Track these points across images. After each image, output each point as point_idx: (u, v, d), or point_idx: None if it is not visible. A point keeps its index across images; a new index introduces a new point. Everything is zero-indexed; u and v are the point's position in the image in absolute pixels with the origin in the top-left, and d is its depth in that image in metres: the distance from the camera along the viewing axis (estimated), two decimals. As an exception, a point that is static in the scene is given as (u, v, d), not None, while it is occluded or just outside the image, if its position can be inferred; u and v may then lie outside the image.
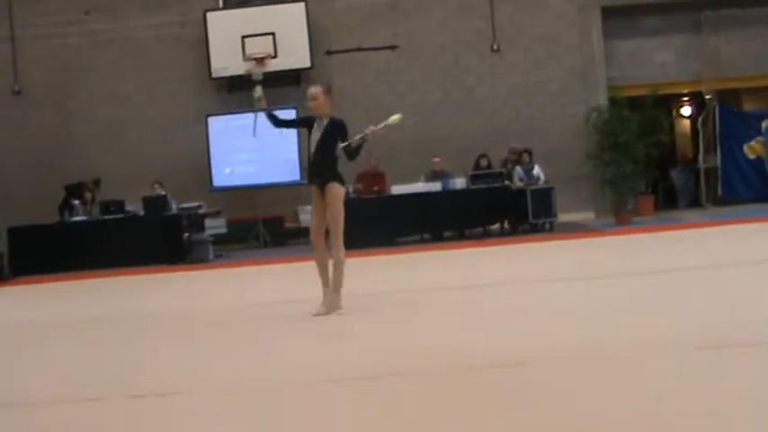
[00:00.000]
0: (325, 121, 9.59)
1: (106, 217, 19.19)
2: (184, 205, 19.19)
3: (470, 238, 19.11)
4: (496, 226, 19.65)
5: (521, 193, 19.17)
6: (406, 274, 13.56)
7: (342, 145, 9.47)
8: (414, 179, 19.54)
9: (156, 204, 19.16)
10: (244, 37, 21.45)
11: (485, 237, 19.03)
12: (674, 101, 25.45)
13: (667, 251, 14.28)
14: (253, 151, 21.11)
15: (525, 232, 19.17)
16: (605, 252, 15.05)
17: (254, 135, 9.87)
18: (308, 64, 21.83)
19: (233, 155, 21.16)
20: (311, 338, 8.29)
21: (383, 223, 18.71)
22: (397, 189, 19.20)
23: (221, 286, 14.41)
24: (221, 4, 22.48)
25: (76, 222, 19.43)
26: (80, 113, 22.64)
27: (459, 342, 7.36)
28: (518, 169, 19.67)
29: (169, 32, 22.66)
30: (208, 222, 19.56)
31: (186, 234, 18.74)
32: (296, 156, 20.01)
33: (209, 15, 21.98)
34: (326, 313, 9.20)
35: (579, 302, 9.20)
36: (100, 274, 17.01)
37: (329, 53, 22.34)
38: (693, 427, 4.65)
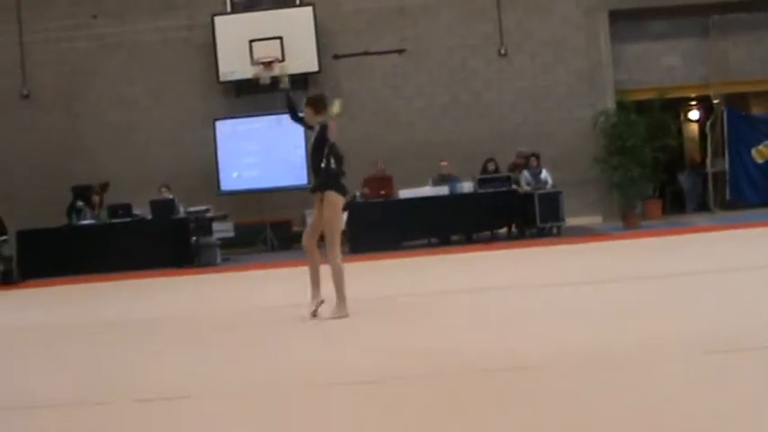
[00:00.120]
0: (317, 129, 9.59)
1: (114, 220, 19.20)
2: (192, 209, 19.21)
3: (478, 242, 19.14)
4: (504, 230, 19.64)
5: (528, 197, 19.16)
6: (413, 278, 13.55)
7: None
8: (421, 183, 19.55)
9: (163, 208, 19.18)
10: (251, 41, 21.45)
11: (492, 241, 19.04)
12: (681, 105, 25.41)
13: (675, 255, 14.26)
14: (260, 155, 21.16)
15: (533, 236, 19.14)
16: (613, 256, 15.04)
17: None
18: (315, 68, 21.84)
19: (240, 159, 21.18)
20: (318, 342, 8.30)
21: (390, 227, 18.74)
22: (404, 193, 19.20)
23: (229, 290, 14.42)
24: (229, 8, 22.50)
25: (84, 226, 19.45)
26: (88, 117, 22.68)
27: (466, 345, 7.36)
28: (525, 173, 19.67)
29: (177, 36, 22.69)
30: (215, 226, 19.59)
31: (194, 238, 18.76)
32: (303, 160, 20.00)
33: (217, 19, 21.99)
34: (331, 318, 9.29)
35: (587, 306, 9.19)
36: (108, 278, 17.04)
37: (336, 57, 22.35)
38: (699, 430, 4.65)
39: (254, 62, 21.38)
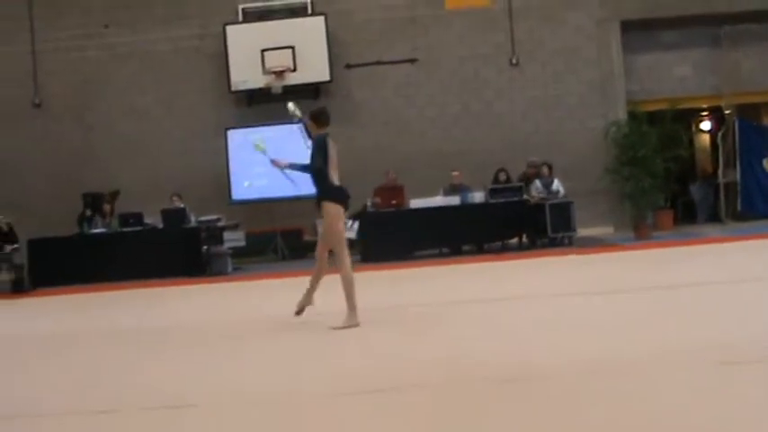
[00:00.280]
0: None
1: (125, 229, 19.24)
2: (203, 218, 19.24)
3: (489, 252, 19.12)
4: (515, 240, 19.60)
5: (539, 207, 19.14)
6: (424, 288, 13.53)
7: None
8: (432, 193, 19.54)
9: (174, 217, 19.20)
10: (263, 50, 21.49)
11: (503, 251, 19.01)
12: (693, 115, 25.37)
13: (686, 266, 14.21)
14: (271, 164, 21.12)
15: (544, 246, 19.10)
16: (624, 266, 15.00)
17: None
18: (327, 77, 21.86)
19: (252, 168, 21.16)
20: (328, 351, 8.29)
21: (402, 237, 18.72)
22: (415, 203, 19.19)
23: (239, 299, 14.42)
24: (241, 18, 22.52)
25: (96, 234, 19.49)
26: (99, 126, 22.72)
27: (477, 355, 7.35)
28: (537, 182, 19.65)
29: (188, 45, 22.73)
30: (226, 235, 19.61)
31: (205, 247, 18.78)
32: (314, 169, 19.98)
33: (229, 29, 22.02)
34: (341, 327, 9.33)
35: (598, 316, 9.18)
36: (119, 287, 17.07)
37: (348, 66, 22.37)
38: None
39: (265, 71, 21.43)
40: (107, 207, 20.12)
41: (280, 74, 21.33)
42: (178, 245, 18.76)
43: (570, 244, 19.12)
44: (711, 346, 6.97)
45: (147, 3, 22.84)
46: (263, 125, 21.46)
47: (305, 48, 21.53)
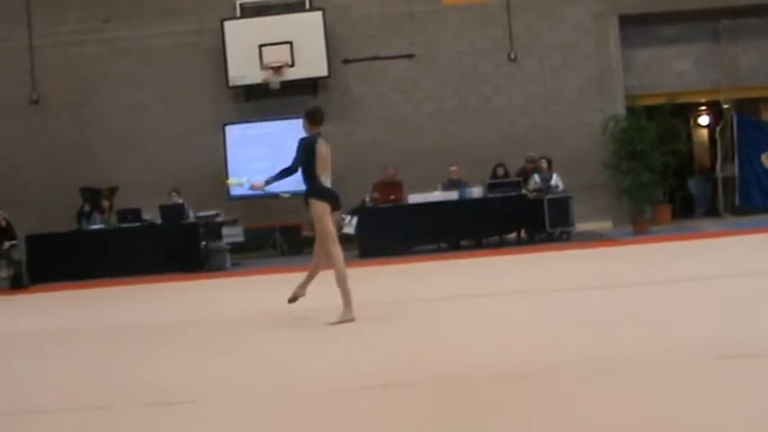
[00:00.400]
0: None
1: (123, 225, 19.24)
2: (201, 213, 19.24)
3: (487, 247, 19.10)
4: (513, 235, 19.62)
5: (537, 201, 19.13)
6: (422, 283, 13.54)
7: None
8: (431, 188, 19.52)
9: (173, 213, 19.20)
10: (261, 46, 21.47)
11: (501, 246, 19.02)
12: (691, 110, 25.37)
13: (684, 260, 14.22)
14: (270, 160, 21.05)
15: (542, 241, 19.11)
16: (622, 261, 15.00)
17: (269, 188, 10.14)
18: (325, 73, 21.85)
19: (250, 163, 21.15)
20: (327, 347, 8.29)
21: (400, 232, 18.73)
22: (413, 198, 19.19)
23: (238, 294, 14.42)
24: (239, 13, 22.50)
25: (94, 230, 19.49)
26: (98, 121, 22.70)
27: (475, 350, 7.35)
28: (535, 176, 19.63)
29: (186, 41, 22.70)
30: (225, 231, 19.60)
31: (203, 242, 18.78)
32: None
33: (227, 24, 22.00)
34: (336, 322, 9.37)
35: (596, 311, 9.18)
36: (117, 283, 17.05)
37: (346, 62, 22.35)
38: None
39: (263, 67, 21.43)
40: (105, 203, 20.13)
41: (277, 69, 21.33)
42: (176, 240, 18.76)
43: (568, 239, 19.12)
44: (711, 340, 6.97)
45: (145, -2, 22.85)
46: (261, 120, 21.50)
47: (303, 43, 21.52)
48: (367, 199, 19.19)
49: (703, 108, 25.80)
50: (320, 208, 9.67)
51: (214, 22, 22.22)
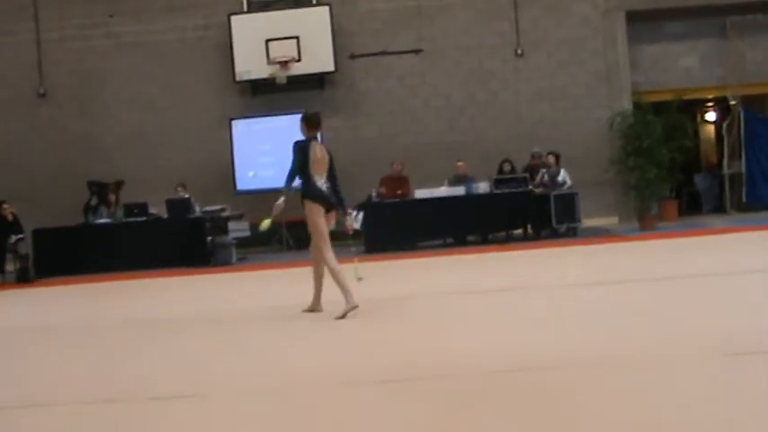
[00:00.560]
0: None
1: (130, 219, 19.25)
2: (208, 208, 19.23)
3: (493, 242, 19.10)
4: (519, 231, 19.60)
5: (544, 197, 19.10)
6: (428, 279, 13.52)
7: None
8: (437, 183, 19.51)
9: (179, 207, 19.20)
10: (268, 40, 21.46)
11: (508, 241, 19.01)
12: (698, 106, 25.34)
13: (691, 257, 14.19)
14: (276, 154, 21.06)
15: (548, 237, 19.09)
16: (629, 257, 14.98)
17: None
18: (331, 67, 21.82)
19: (256, 158, 21.17)
20: (333, 341, 8.31)
21: (406, 227, 18.73)
22: (420, 193, 19.17)
23: (244, 289, 14.42)
24: (245, 8, 22.49)
25: (100, 224, 19.51)
26: (104, 116, 22.72)
27: (481, 346, 7.35)
28: (542, 172, 19.60)
29: (193, 36, 22.70)
30: (231, 225, 19.58)
31: (210, 237, 18.78)
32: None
33: (234, 19, 22.00)
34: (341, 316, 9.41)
35: (602, 308, 9.17)
36: (123, 277, 17.08)
37: (353, 57, 22.34)
38: (718, 433, 4.63)
39: (270, 62, 21.41)
40: (112, 197, 20.15)
41: (284, 64, 21.31)
42: (183, 235, 18.76)
43: (575, 235, 19.09)
44: (718, 337, 6.96)
45: (152, -8, 22.86)
46: (268, 115, 21.47)
47: (309, 38, 21.50)
48: (373, 194, 19.19)
49: (710, 104, 25.78)
50: (313, 209, 9.80)
51: (221, 16, 22.23)
